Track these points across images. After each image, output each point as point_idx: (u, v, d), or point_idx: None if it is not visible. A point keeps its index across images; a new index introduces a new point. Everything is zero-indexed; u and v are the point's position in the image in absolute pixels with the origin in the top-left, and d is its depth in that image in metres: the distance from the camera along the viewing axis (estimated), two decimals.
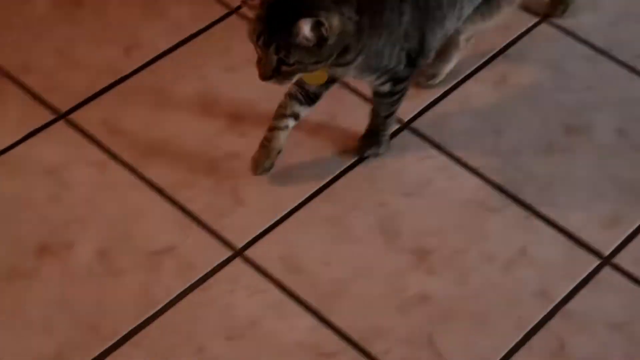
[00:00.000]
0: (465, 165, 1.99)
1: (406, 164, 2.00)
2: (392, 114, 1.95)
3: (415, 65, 1.88)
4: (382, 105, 1.94)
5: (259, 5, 1.69)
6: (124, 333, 1.73)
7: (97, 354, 1.71)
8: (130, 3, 2.27)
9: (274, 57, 1.69)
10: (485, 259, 1.86)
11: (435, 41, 1.89)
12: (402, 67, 1.85)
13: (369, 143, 1.99)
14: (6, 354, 1.71)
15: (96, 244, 1.84)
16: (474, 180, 1.97)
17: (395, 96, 1.90)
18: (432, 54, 1.91)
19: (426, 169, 1.99)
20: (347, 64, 1.78)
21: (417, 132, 2.04)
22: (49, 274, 1.80)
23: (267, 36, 1.68)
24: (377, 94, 1.92)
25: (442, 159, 2.00)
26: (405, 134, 2.04)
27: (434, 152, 2.01)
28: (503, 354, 1.73)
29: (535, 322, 1.77)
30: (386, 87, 1.88)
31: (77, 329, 1.73)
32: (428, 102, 2.10)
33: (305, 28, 1.65)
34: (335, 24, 1.68)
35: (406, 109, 2.01)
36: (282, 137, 1.93)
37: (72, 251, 1.83)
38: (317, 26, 1.65)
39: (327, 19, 1.66)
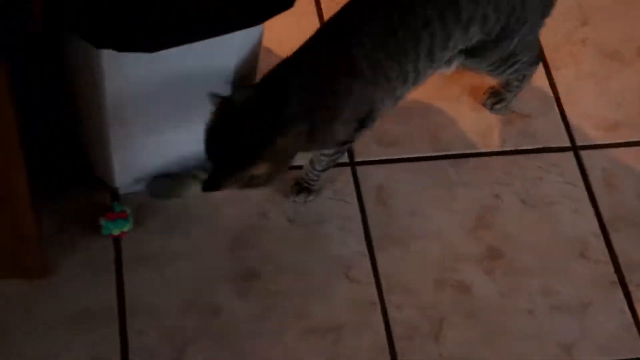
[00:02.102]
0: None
1: (520, 163, 2.11)
2: (328, 168, 1.96)
3: (361, 130, 1.87)
4: (322, 161, 1.94)
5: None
6: None
7: None
8: None
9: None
10: (544, 293, 1.95)
11: (384, 109, 1.87)
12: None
13: (300, 190, 2.01)
14: None
15: None
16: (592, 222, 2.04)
17: (337, 154, 1.92)
18: (378, 119, 1.89)
19: (553, 190, 2.08)
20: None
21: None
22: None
23: (224, 179, 1.70)
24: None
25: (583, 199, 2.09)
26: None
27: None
28: None
29: None
30: (332, 149, 1.91)
31: None
32: None
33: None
34: (264, 170, 1.70)
35: None
36: None
37: None
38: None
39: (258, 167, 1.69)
